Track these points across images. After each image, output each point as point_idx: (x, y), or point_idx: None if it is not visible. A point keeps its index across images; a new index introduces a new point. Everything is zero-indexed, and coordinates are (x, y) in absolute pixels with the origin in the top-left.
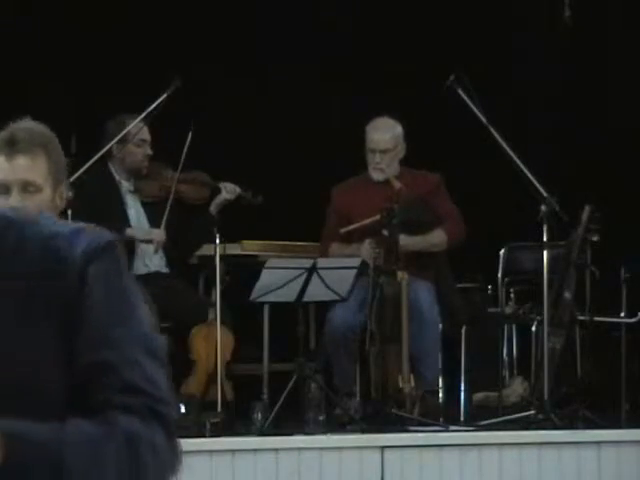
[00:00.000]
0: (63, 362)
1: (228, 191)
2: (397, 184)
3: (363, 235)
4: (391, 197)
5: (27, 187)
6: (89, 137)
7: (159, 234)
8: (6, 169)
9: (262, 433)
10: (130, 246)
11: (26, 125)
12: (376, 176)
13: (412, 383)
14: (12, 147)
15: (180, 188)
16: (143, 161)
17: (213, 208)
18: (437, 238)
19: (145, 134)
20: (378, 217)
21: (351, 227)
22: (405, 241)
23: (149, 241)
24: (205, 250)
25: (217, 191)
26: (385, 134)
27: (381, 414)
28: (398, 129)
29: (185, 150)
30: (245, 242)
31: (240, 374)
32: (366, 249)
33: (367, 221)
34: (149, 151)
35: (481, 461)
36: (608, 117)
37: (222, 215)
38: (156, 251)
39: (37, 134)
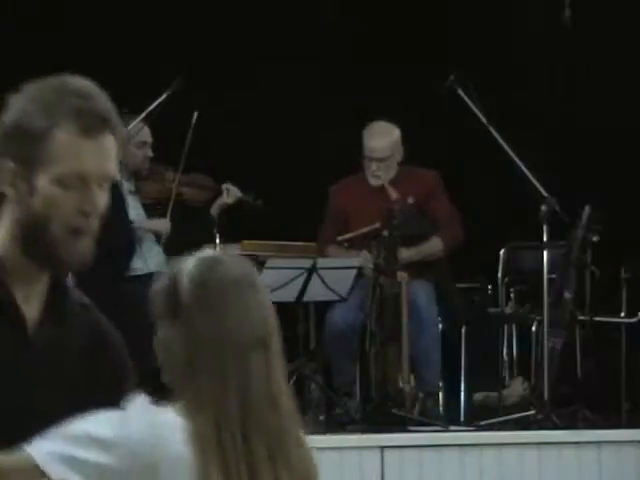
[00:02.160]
0: None
1: (229, 195)
2: (393, 194)
3: (361, 240)
4: (388, 205)
5: (107, 182)
6: None
7: (165, 223)
8: (92, 155)
9: None
10: (131, 246)
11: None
12: (373, 182)
13: (412, 383)
14: (104, 124)
15: (181, 190)
16: (144, 163)
17: (214, 210)
18: (434, 247)
19: (146, 136)
20: (377, 225)
21: (349, 236)
22: (402, 254)
23: (155, 232)
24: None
25: (219, 193)
26: (382, 142)
27: (381, 414)
28: (395, 134)
29: (186, 148)
30: (245, 242)
31: None
32: (363, 260)
33: (365, 229)
34: (150, 153)
35: (481, 461)
36: (608, 117)
37: (222, 216)
38: (162, 241)
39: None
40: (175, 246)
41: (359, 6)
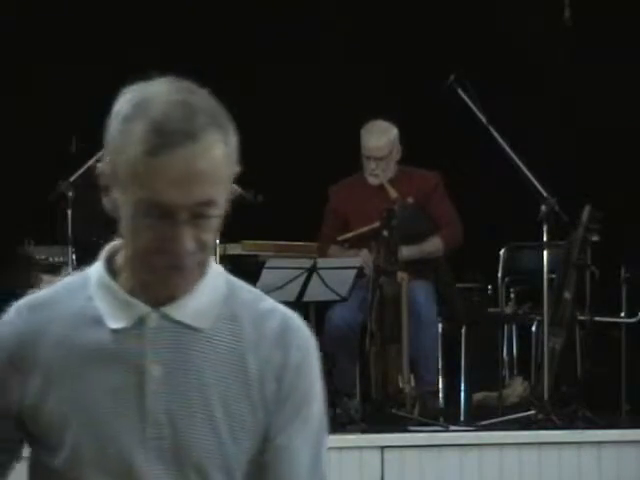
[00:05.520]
0: None
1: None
2: (393, 193)
3: (361, 240)
4: (388, 204)
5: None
6: (89, 137)
7: None
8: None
9: None
10: None
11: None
12: (372, 181)
13: (412, 383)
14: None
15: None
16: None
17: None
18: (433, 246)
19: None
20: (377, 224)
21: (349, 235)
22: (402, 251)
23: None
24: None
25: None
26: (379, 140)
27: (381, 414)
28: (393, 133)
29: None
30: (245, 242)
31: None
32: (363, 259)
33: (365, 229)
34: None
35: (481, 461)
36: (608, 117)
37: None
38: None
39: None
40: None
41: (359, 5)
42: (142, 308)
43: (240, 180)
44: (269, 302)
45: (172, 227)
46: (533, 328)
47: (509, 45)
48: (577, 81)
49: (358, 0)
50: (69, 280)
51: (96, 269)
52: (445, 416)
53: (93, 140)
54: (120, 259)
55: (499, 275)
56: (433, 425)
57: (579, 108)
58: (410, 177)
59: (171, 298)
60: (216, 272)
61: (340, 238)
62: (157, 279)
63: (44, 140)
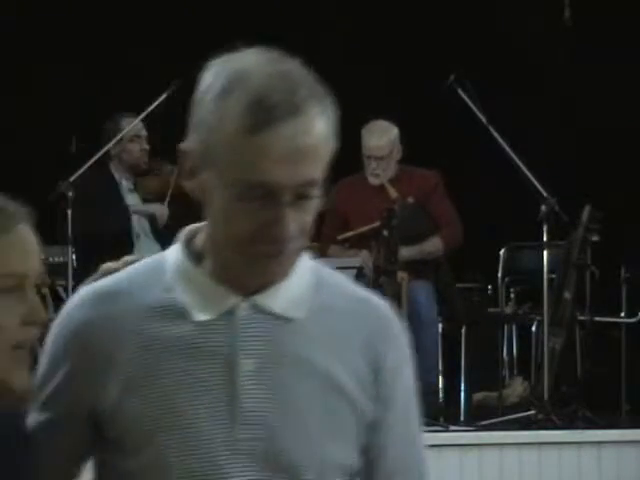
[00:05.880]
0: None
1: None
2: (393, 193)
3: (361, 240)
4: (388, 204)
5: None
6: (89, 137)
7: (162, 208)
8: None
9: None
10: (128, 239)
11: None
12: (373, 181)
13: None
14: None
15: (180, 182)
16: (140, 157)
17: None
18: (433, 246)
19: (139, 129)
20: (377, 224)
21: (349, 234)
22: (401, 252)
23: (153, 218)
24: None
25: None
26: (380, 140)
27: None
28: (393, 132)
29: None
30: None
31: None
32: (363, 259)
33: (365, 228)
34: (145, 145)
35: (481, 461)
36: (608, 117)
37: None
38: (161, 226)
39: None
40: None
41: (359, 5)
42: (231, 298)
43: None
44: (361, 290)
45: (274, 210)
46: (533, 328)
47: (509, 45)
48: (577, 81)
49: (358, 0)
50: (138, 268)
51: (174, 255)
52: (445, 416)
53: (93, 140)
54: (200, 244)
55: (499, 275)
56: (433, 425)
57: (579, 108)
58: (410, 176)
59: (262, 286)
60: (303, 258)
61: (340, 237)
62: (251, 266)
63: (44, 140)
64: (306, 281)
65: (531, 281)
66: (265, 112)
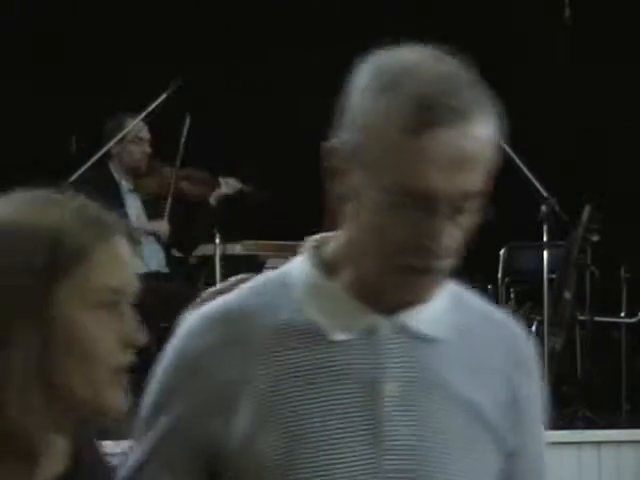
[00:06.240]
0: None
1: (228, 186)
2: None
3: None
4: None
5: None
6: (89, 137)
7: (163, 225)
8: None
9: None
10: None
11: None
12: None
13: None
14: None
15: (180, 184)
16: (141, 160)
17: (212, 200)
18: None
19: (143, 132)
20: None
21: None
22: None
23: (154, 234)
24: (205, 250)
25: (217, 187)
26: None
27: None
28: None
29: (182, 142)
30: (245, 242)
31: None
32: None
33: None
34: (147, 149)
35: None
36: (608, 117)
37: (222, 213)
38: (163, 241)
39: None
40: (178, 241)
41: (359, 4)
42: (369, 315)
43: (241, 180)
44: (498, 311)
45: (430, 221)
46: (533, 328)
47: (509, 45)
48: (577, 81)
49: (358, 0)
50: (257, 285)
51: (299, 268)
52: None
53: (93, 140)
54: (332, 254)
55: (499, 275)
56: None
57: (579, 108)
58: None
59: (403, 305)
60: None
61: None
62: (399, 283)
63: (44, 140)
64: (446, 301)
65: (531, 281)
66: (428, 114)
